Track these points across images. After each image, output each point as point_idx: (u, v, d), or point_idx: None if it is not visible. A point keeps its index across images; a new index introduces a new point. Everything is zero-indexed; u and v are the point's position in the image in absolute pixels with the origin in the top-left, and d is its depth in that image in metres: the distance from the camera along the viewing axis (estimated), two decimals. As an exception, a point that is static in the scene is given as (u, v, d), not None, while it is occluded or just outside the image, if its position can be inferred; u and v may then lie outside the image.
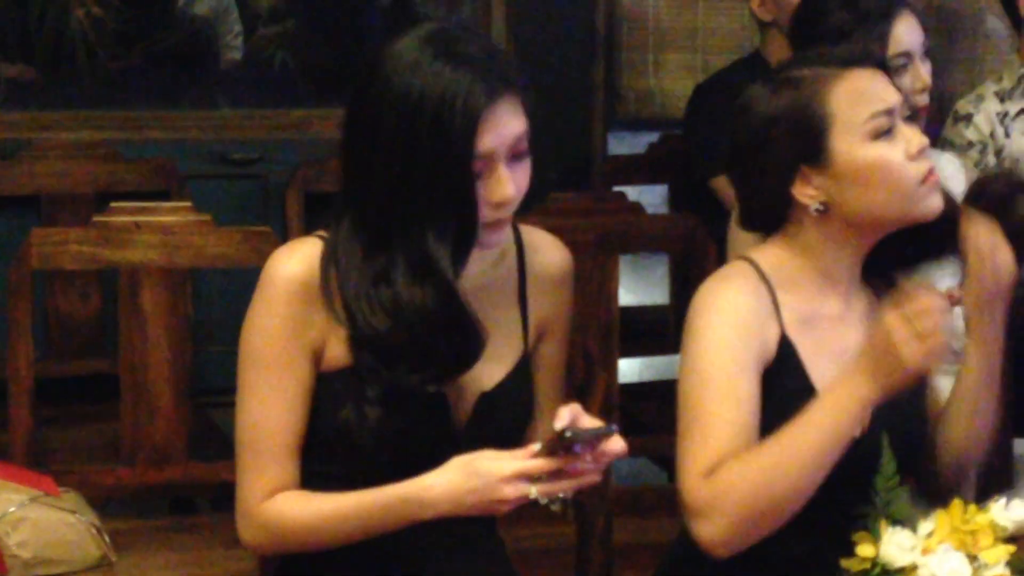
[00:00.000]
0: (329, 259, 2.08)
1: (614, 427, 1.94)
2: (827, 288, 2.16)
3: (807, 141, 2.10)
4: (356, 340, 2.05)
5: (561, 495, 1.94)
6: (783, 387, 2.09)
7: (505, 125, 2.03)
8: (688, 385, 2.09)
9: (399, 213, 2.02)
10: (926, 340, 1.98)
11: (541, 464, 1.93)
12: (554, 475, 1.93)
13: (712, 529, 2.03)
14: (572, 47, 3.90)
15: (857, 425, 2.02)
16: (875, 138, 2.10)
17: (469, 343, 2.05)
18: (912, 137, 2.11)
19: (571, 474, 1.93)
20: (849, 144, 2.10)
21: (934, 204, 2.12)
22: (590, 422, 1.95)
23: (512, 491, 1.94)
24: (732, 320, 2.08)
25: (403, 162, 2.00)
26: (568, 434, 1.90)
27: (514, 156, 2.05)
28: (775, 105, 2.12)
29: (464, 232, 2.02)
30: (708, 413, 2.05)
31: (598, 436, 1.92)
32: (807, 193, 2.11)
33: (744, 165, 2.15)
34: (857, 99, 2.11)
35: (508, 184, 2.03)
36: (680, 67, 4.13)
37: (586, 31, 3.92)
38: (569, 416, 1.94)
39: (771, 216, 2.15)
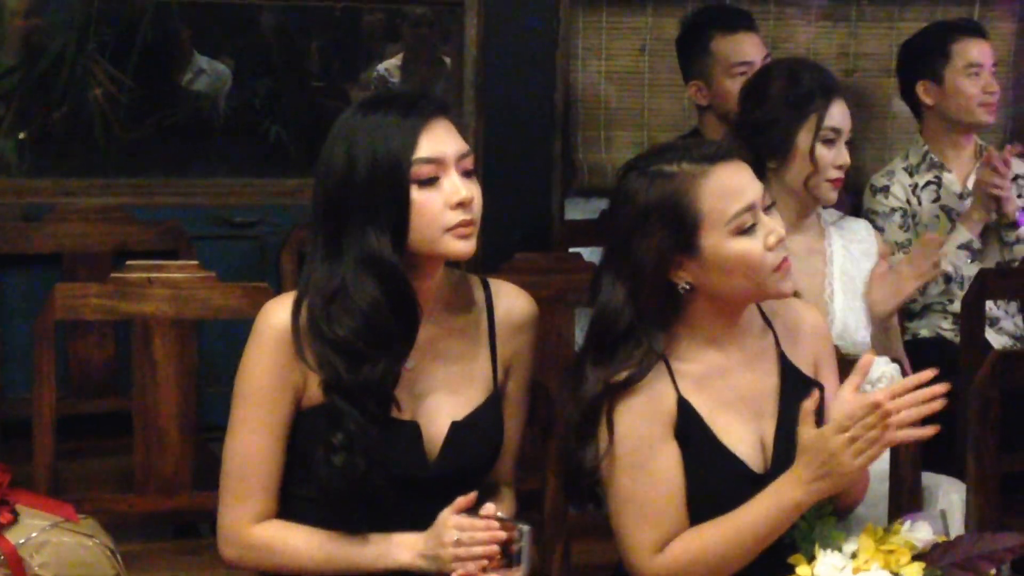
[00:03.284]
0: (298, 304, 2.10)
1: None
2: (711, 350, 2.18)
3: (680, 235, 2.10)
4: (324, 363, 2.07)
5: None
6: (691, 440, 2.14)
7: (445, 135, 2.07)
8: (610, 469, 2.13)
9: (346, 218, 2.06)
10: (860, 443, 2.00)
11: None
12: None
13: None
14: (535, 126, 3.91)
15: (792, 521, 2.08)
16: (738, 234, 2.10)
17: (412, 315, 2.08)
18: (772, 229, 2.12)
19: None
20: (716, 240, 2.10)
21: (786, 287, 2.14)
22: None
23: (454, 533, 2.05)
24: (633, 405, 2.12)
25: (346, 177, 2.05)
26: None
27: (464, 173, 2.08)
28: (652, 197, 2.10)
29: (399, 229, 2.05)
30: (638, 496, 2.11)
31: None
32: (678, 274, 2.13)
33: (623, 253, 2.13)
34: (723, 196, 2.10)
35: (463, 187, 2.06)
36: (628, 143, 4.11)
37: (547, 112, 3.93)
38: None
39: (656, 298, 2.14)
